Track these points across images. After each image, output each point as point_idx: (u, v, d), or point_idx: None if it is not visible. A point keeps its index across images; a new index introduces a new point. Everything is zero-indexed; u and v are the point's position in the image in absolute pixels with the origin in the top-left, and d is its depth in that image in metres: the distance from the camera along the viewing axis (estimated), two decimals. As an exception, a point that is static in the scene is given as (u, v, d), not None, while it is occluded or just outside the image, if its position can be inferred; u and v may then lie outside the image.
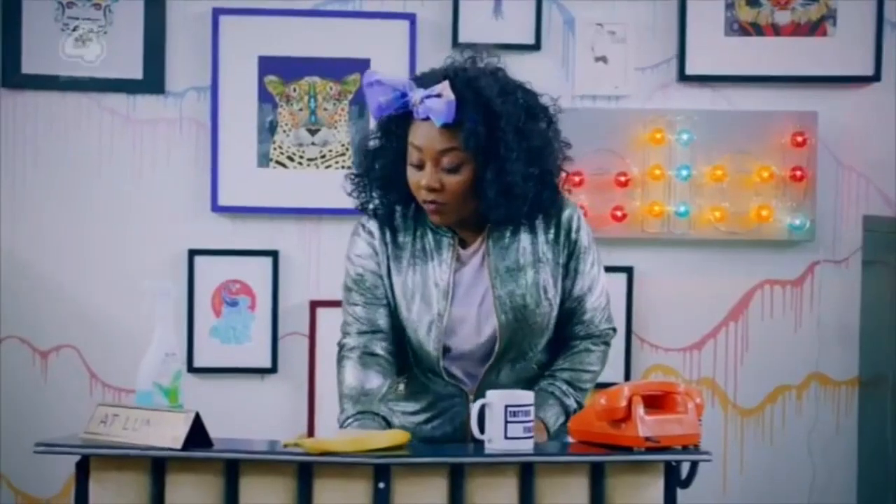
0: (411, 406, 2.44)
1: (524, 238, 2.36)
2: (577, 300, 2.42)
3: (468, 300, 2.36)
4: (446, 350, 2.36)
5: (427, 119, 2.26)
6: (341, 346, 2.40)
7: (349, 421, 2.31)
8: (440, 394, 2.40)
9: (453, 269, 2.35)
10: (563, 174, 2.38)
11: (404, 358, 2.41)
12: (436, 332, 2.34)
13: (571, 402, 2.39)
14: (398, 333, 2.39)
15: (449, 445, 2.35)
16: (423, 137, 2.28)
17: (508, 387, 2.35)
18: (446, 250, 2.36)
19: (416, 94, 2.27)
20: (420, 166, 2.30)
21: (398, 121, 2.32)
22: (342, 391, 2.36)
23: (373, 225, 2.40)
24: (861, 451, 3.71)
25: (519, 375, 2.39)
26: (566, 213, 2.39)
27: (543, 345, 2.41)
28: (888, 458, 3.49)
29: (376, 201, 2.38)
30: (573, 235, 2.39)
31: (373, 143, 2.37)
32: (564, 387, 2.40)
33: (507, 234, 2.36)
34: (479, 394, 2.30)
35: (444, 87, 2.24)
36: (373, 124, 2.42)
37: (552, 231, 2.37)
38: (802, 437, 3.73)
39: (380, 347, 2.36)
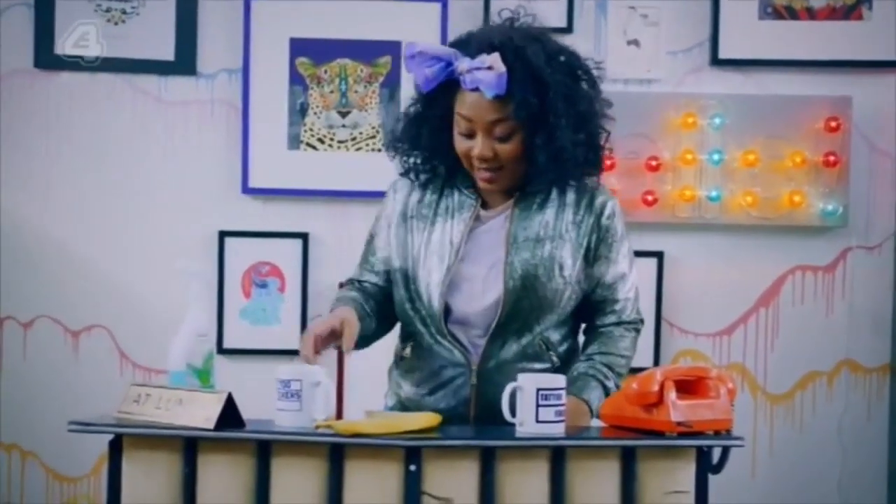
0: (416, 377, 2.43)
1: (549, 212, 2.37)
2: (610, 288, 2.42)
3: (479, 261, 2.36)
4: (449, 312, 2.36)
5: (476, 89, 2.27)
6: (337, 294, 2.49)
7: (333, 304, 2.40)
8: (444, 362, 2.38)
9: (469, 228, 2.37)
10: (606, 134, 2.38)
11: (403, 328, 2.45)
12: (441, 287, 2.35)
13: (612, 385, 2.39)
14: (395, 304, 2.44)
15: (481, 428, 2.35)
16: (474, 108, 2.29)
17: (512, 361, 2.35)
18: (467, 210, 2.38)
19: (462, 64, 2.27)
20: (470, 135, 2.31)
21: (442, 88, 2.32)
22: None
23: (401, 183, 2.45)
24: (892, 438, 3.68)
25: (525, 351, 2.37)
26: (600, 199, 2.39)
27: (554, 323, 2.39)
28: (919, 446, 3.47)
29: (419, 167, 2.40)
30: (605, 221, 2.39)
31: (414, 110, 2.39)
32: (605, 370, 2.40)
33: (534, 205, 2.37)
34: (484, 365, 2.34)
35: (495, 60, 2.23)
36: (407, 96, 2.43)
37: (581, 212, 2.38)
38: (832, 424, 3.71)
39: (371, 302, 2.44)
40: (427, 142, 2.37)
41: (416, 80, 2.34)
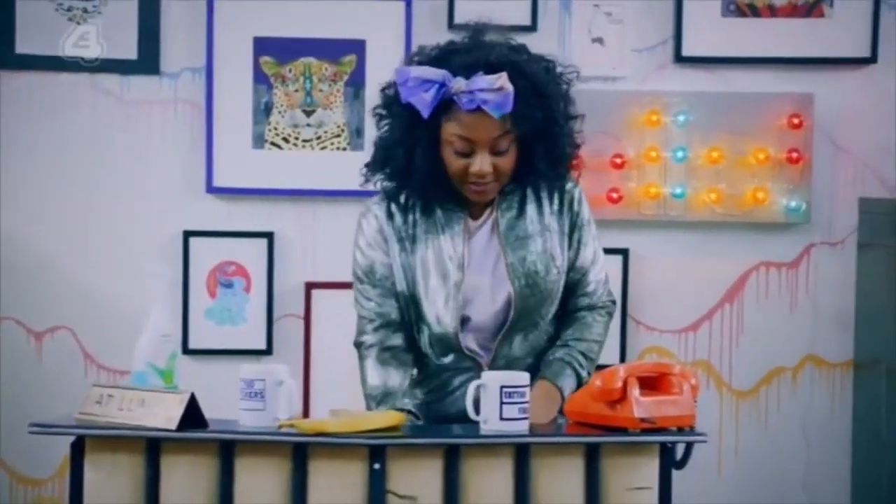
0: (423, 387, 2.45)
1: (530, 209, 2.40)
2: (580, 272, 2.46)
3: (481, 269, 2.38)
4: (465, 321, 2.38)
5: (476, 109, 2.26)
6: (359, 344, 2.42)
7: None
8: (454, 373, 2.41)
9: (465, 240, 2.38)
10: (581, 131, 2.42)
11: (418, 348, 2.43)
12: (454, 303, 2.35)
13: (585, 375, 2.42)
14: (409, 324, 2.41)
15: (445, 426, 2.35)
16: (475, 128, 2.28)
17: (522, 358, 2.39)
18: (457, 223, 2.38)
19: (459, 84, 2.26)
20: (467, 153, 2.31)
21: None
22: (365, 391, 2.39)
23: (378, 209, 2.41)
24: (855, 433, 3.71)
25: (532, 346, 2.41)
26: (568, 186, 2.44)
27: (553, 315, 2.44)
28: (882, 440, 3.50)
29: (401, 190, 2.38)
30: (576, 207, 2.44)
31: (393, 135, 2.35)
32: (580, 358, 2.43)
33: (515, 204, 2.40)
34: (494, 365, 2.38)
35: (504, 80, 2.24)
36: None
37: (556, 202, 2.42)
38: (797, 419, 3.74)
39: (397, 339, 2.39)
40: (422, 164, 2.32)
41: (419, 107, 2.26)
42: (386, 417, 2.16)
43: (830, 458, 3.73)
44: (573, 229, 2.43)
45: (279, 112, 3.65)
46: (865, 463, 3.65)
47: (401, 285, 2.39)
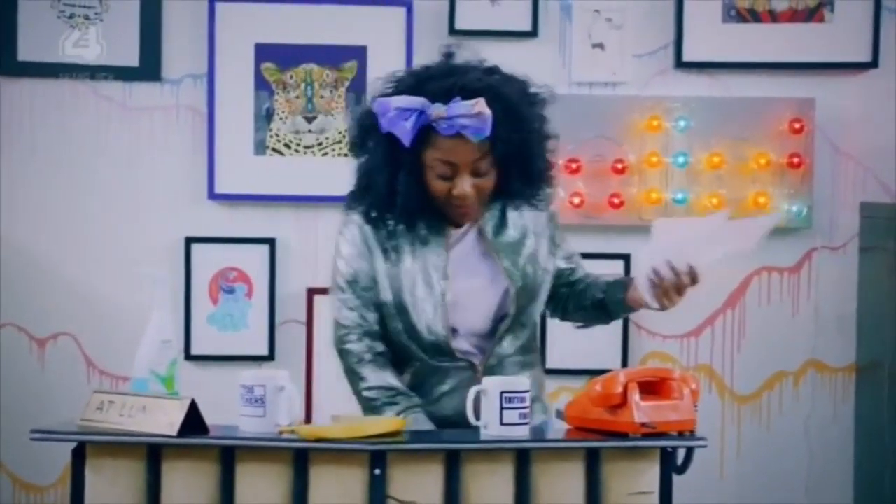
0: (419, 392, 2.45)
1: (512, 215, 2.47)
2: (572, 259, 2.57)
3: (470, 274, 2.42)
4: (455, 330, 2.41)
5: (456, 134, 2.30)
6: (346, 353, 2.43)
7: (402, 415, 2.33)
8: (447, 375, 2.42)
9: (447, 250, 2.41)
10: (553, 151, 2.48)
11: (398, 355, 2.45)
12: (441, 311, 2.38)
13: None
14: (390, 334, 2.43)
15: (446, 432, 2.35)
16: (455, 152, 2.33)
17: (513, 355, 2.43)
18: (439, 234, 2.42)
19: (439, 110, 2.30)
20: (449, 177, 2.35)
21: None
22: (370, 396, 2.39)
23: (355, 220, 2.45)
24: (857, 438, 3.71)
25: (522, 342, 2.46)
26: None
27: (538, 314, 2.51)
28: (884, 445, 3.50)
29: (386, 215, 2.41)
30: (552, 209, 2.54)
31: (374, 161, 2.38)
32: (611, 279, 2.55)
33: (497, 212, 2.46)
34: (488, 363, 2.41)
35: (482, 105, 2.28)
36: (353, 130, 2.43)
37: (534, 206, 2.48)
38: (799, 424, 3.73)
39: (381, 346, 2.43)
40: (405, 189, 2.36)
41: (400, 137, 2.30)
42: (386, 423, 2.17)
43: (833, 462, 3.73)
44: (555, 230, 2.53)
45: (280, 118, 3.65)
46: (868, 467, 3.65)
47: (386, 295, 2.41)
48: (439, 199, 2.37)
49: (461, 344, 2.42)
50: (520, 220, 2.47)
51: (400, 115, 2.30)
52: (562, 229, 2.58)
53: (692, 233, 2.40)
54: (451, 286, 2.39)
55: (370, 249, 2.42)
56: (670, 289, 2.37)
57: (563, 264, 2.55)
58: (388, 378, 2.40)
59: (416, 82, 2.35)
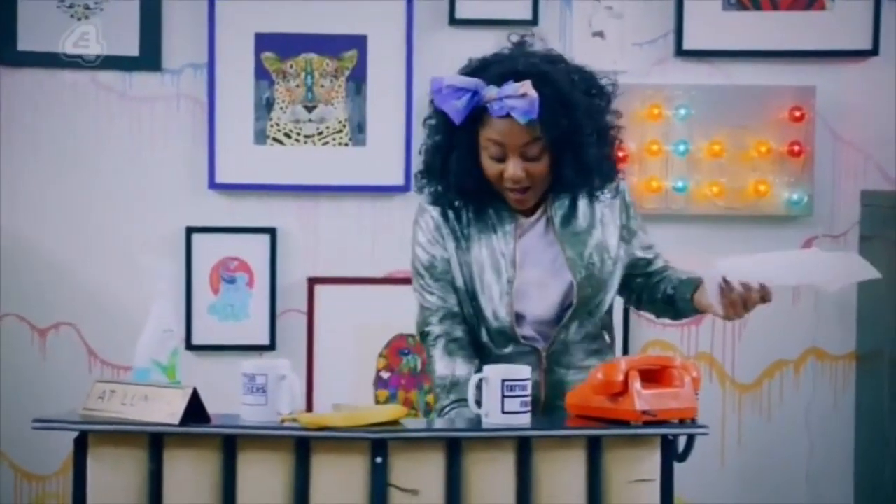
0: None
1: (582, 203, 2.50)
2: (649, 250, 2.58)
3: (537, 263, 2.46)
4: (520, 317, 2.45)
5: (506, 115, 2.35)
6: (425, 334, 2.49)
7: (446, 410, 2.39)
8: (514, 357, 2.45)
9: (516, 238, 2.46)
10: (618, 142, 2.51)
11: (478, 339, 2.49)
12: (507, 298, 2.43)
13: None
14: (468, 317, 2.48)
15: (447, 419, 2.36)
16: (505, 133, 2.38)
17: (579, 342, 2.47)
18: (508, 222, 2.46)
19: (490, 92, 2.36)
20: (500, 158, 2.40)
21: (467, 116, 2.39)
22: (434, 380, 2.46)
23: (433, 208, 2.50)
24: (858, 426, 3.71)
25: (587, 332, 2.49)
26: (622, 181, 2.56)
27: (608, 305, 2.53)
28: (885, 433, 3.50)
29: (450, 194, 2.46)
30: (628, 199, 2.55)
31: (437, 140, 2.46)
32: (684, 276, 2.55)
33: (567, 201, 2.49)
34: (552, 349, 2.45)
35: (528, 87, 2.33)
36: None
37: (608, 195, 2.51)
38: (800, 412, 3.74)
39: (461, 330, 2.47)
40: (457, 168, 2.43)
41: (450, 115, 2.37)
42: (387, 412, 2.17)
43: (833, 450, 3.73)
44: (629, 220, 2.54)
45: (281, 108, 3.65)
46: (868, 455, 3.65)
47: (459, 281, 2.47)
48: (494, 181, 2.42)
49: (526, 330, 2.46)
50: (590, 209, 2.49)
51: (452, 94, 2.37)
52: (641, 219, 2.58)
53: (777, 258, 2.44)
54: (519, 274, 2.43)
55: (443, 237, 2.48)
56: (738, 301, 2.36)
57: (639, 254, 2.56)
58: (454, 366, 2.43)
59: (481, 65, 2.43)
